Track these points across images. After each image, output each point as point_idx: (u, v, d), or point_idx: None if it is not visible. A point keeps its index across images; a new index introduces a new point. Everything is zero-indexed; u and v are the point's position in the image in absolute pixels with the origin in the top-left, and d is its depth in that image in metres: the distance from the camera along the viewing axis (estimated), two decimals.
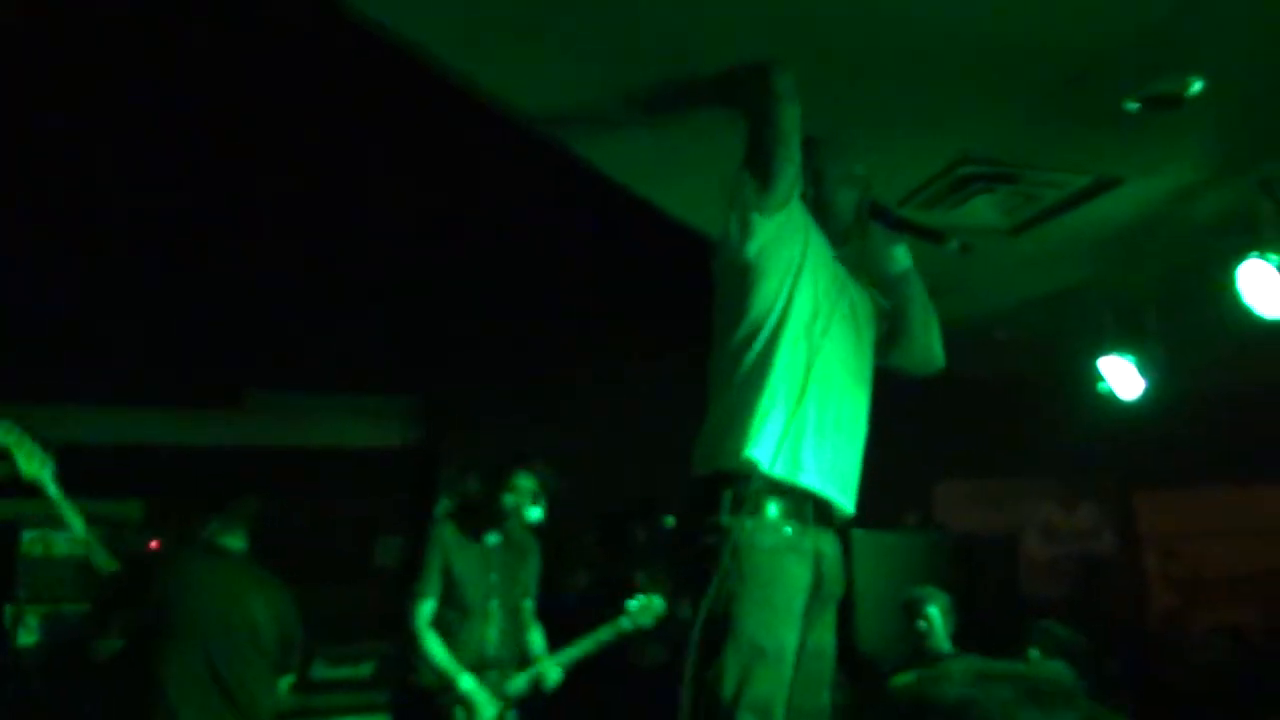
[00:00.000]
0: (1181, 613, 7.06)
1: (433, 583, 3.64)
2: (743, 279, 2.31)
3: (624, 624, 3.90)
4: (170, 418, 6.11)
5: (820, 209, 2.48)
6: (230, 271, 5.02)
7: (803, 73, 2.35)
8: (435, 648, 3.61)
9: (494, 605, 3.75)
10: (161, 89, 3.69)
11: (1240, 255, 3.72)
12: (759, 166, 2.29)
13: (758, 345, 2.27)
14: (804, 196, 2.42)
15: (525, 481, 3.80)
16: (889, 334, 2.59)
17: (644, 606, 3.93)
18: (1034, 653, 3.51)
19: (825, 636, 2.34)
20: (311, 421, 6.32)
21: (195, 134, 3.97)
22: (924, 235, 2.50)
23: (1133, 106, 2.97)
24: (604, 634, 3.89)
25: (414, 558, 3.75)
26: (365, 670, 5.49)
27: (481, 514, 3.78)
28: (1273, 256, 3.63)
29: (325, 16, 2.53)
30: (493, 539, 3.79)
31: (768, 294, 2.29)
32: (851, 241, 2.54)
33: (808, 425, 2.25)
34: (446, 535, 3.71)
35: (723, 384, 2.29)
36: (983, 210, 3.88)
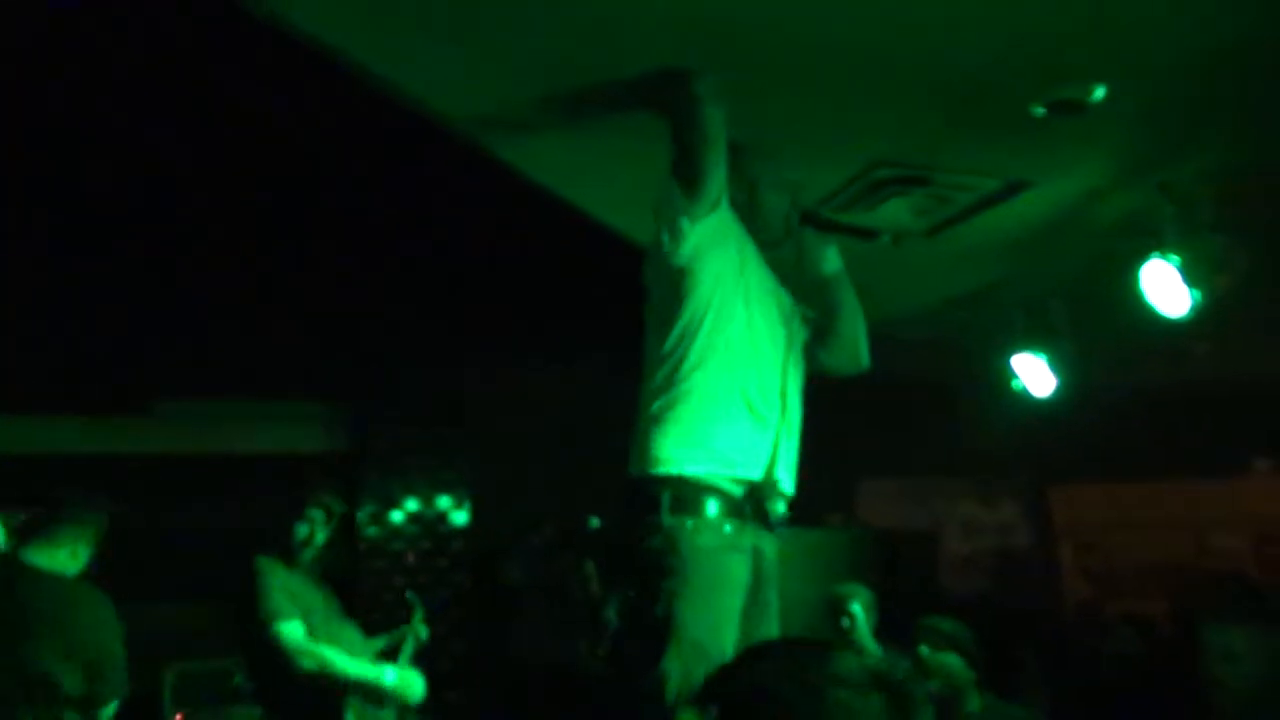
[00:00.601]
0: (1095, 604, 7.31)
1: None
2: (675, 284, 2.35)
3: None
4: (72, 426, 5.96)
5: (751, 214, 2.54)
6: (137, 273, 4.93)
7: (720, 79, 2.42)
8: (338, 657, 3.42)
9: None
10: (61, 90, 3.63)
11: (1143, 256, 3.89)
12: (686, 172, 2.33)
13: (692, 348, 2.31)
14: (735, 202, 2.48)
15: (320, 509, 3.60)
16: (817, 335, 2.67)
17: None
18: (924, 649, 3.63)
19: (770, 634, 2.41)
20: (224, 428, 6.22)
21: (97, 136, 3.91)
22: (855, 233, 2.59)
23: (1039, 112, 3.10)
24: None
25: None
26: None
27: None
28: (1173, 257, 3.81)
29: (238, 23, 2.52)
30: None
31: (700, 298, 2.34)
32: (783, 246, 2.62)
33: (744, 426, 2.31)
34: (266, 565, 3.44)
35: (657, 386, 2.32)
36: (898, 213, 3.99)
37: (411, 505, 6.64)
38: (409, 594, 3.82)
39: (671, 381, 2.31)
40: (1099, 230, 4.17)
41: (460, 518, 6.72)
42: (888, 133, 3.32)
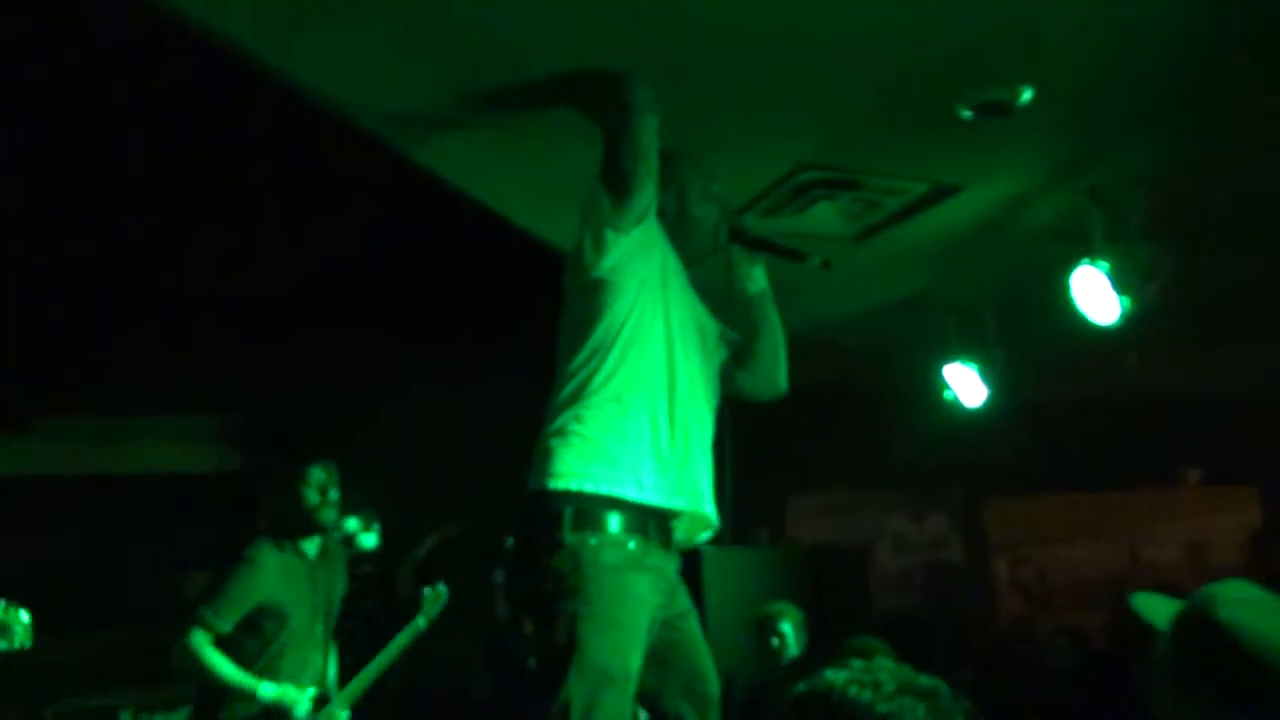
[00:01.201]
0: (1029, 618, 7.45)
1: (228, 614, 3.38)
2: (594, 295, 2.35)
3: (420, 624, 3.82)
4: None
5: (678, 227, 2.55)
6: (16, 284, 4.77)
7: (655, 87, 2.41)
8: (222, 663, 3.37)
9: (320, 630, 3.65)
10: None
11: (1073, 263, 3.98)
12: (615, 181, 2.33)
13: (606, 362, 2.31)
14: (662, 214, 2.48)
15: (319, 475, 3.61)
16: (736, 357, 2.68)
17: (434, 597, 3.88)
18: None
19: (700, 654, 2.42)
20: (110, 447, 6.05)
21: None
22: (783, 253, 2.61)
23: (966, 114, 3.15)
24: (402, 640, 3.77)
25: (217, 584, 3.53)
26: (180, 717, 5.30)
27: (291, 521, 3.57)
28: (1103, 264, 3.89)
29: (129, 16, 2.45)
30: (311, 549, 3.61)
31: (619, 311, 2.34)
32: (707, 261, 2.63)
33: (655, 443, 2.31)
34: (262, 557, 3.46)
35: (565, 399, 2.32)
36: (826, 217, 4.04)
37: (328, 517, 6.48)
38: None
39: (581, 395, 2.30)
40: (1029, 236, 4.26)
41: (369, 540, 6.61)
42: (813, 134, 3.35)
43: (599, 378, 2.30)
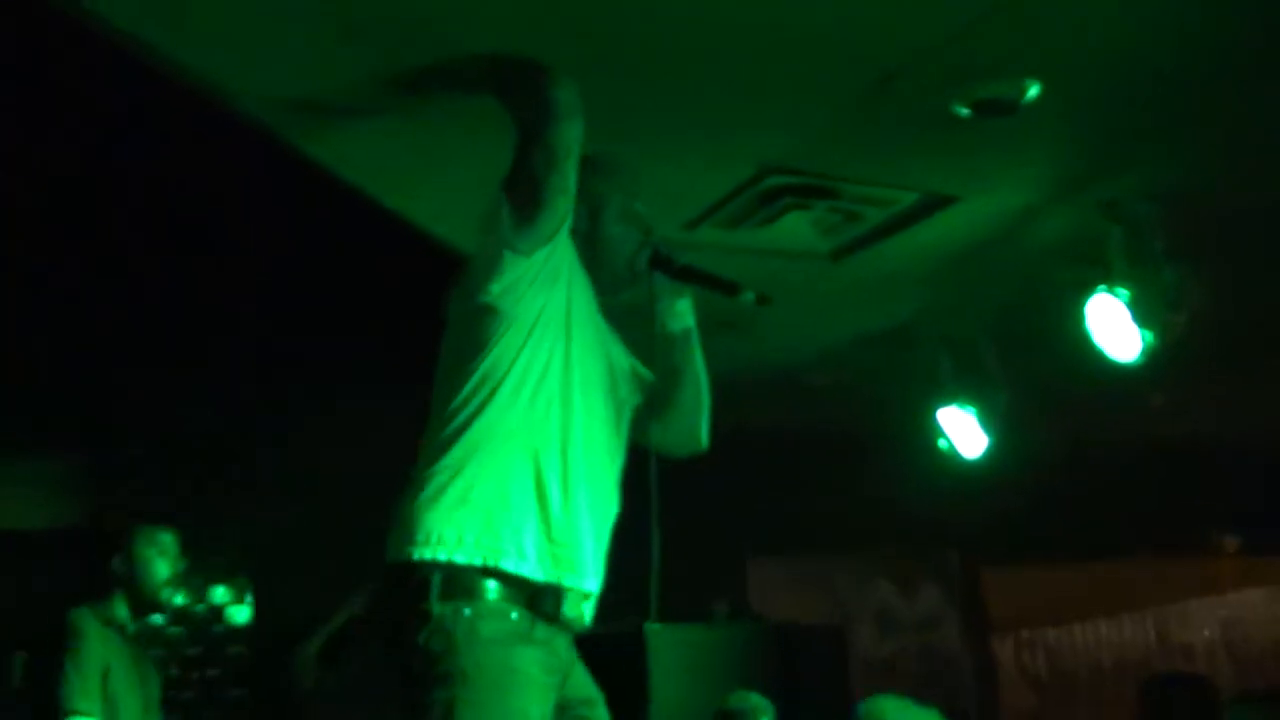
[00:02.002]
0: (1040, 715, 7.48)
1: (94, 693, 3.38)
2: (480, 324, 2.36)
3: None
4: None
5: (592, 248, 2.58)
6: None
7: (569, 69, 2.44)
8: None
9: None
10: None
11: (1088, 289, 4.05)
12: (521, 193, 2.35)
13: (489, 406, 2.33)
14: (575, 232, 2.51)
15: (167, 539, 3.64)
16: (650, 404, 2.72)
17: None
18: None
19: None
20: None
21: None
22: (713, 285, 2.64)
23: (963, 112, 3.20)
24: None
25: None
26: None
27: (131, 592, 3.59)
28: (1122, 291, 3.95)
29: None
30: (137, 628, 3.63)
31: (509, 346, 2.35)
32: (623, 291, 2.66)
33: (541, 508, 2.32)
34: (86, 627, 3.45)
35: (438, 445, 2.33)
36: (797, 231, 4.08)
37: (175, 599, 6.42)
38: None
39: (454, 445, 2.31)
40: (1036, 256, 4.33)
41: (240, 614, 6.54)
42: (782, 131, 3.39)
43: (478, 425, 2.32)
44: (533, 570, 2.29)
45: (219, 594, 6.55)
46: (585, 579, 2.39)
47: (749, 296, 2.60)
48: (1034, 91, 3.13)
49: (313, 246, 4.63)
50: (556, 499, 2.34)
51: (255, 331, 5.42)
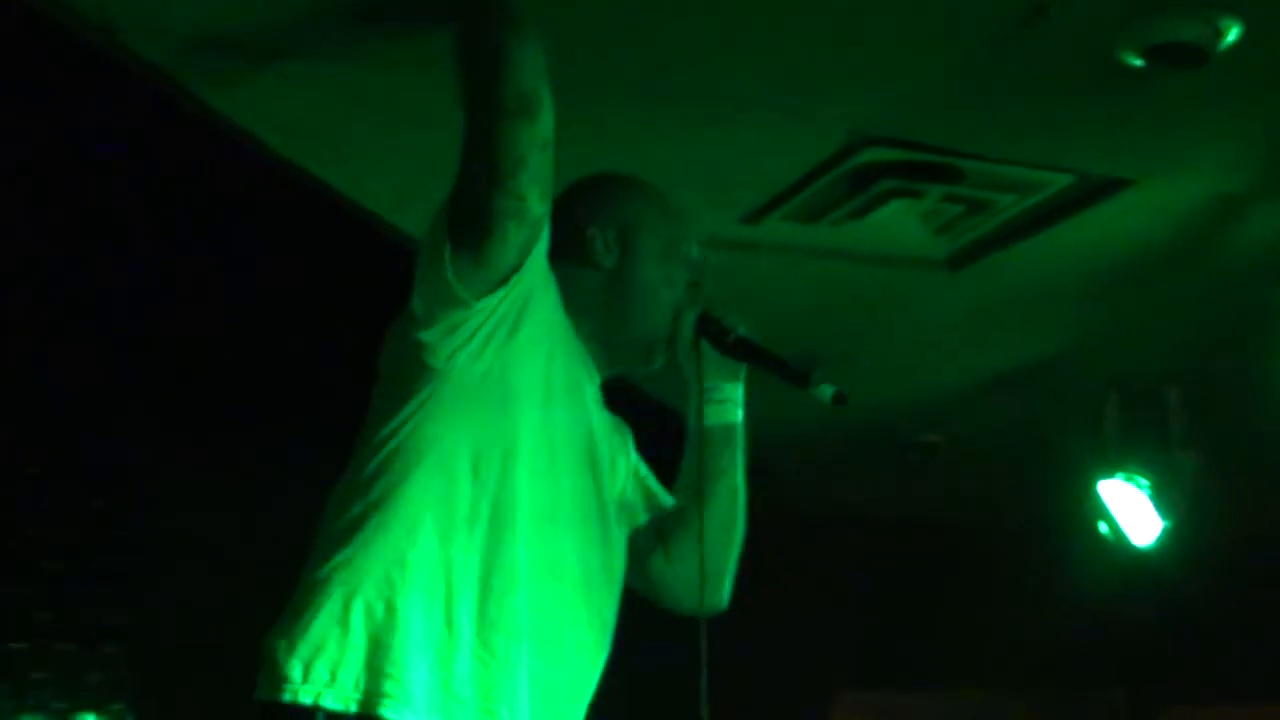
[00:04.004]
0: None
1: None
2: (407, 378, 2.38)
3: None
4: None
5: (619, 295, 2.61)
6: None
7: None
8: None
9: None
10: None
11: None
12: (461, 213, 2.35)
13: (396, 490, 2.34)
14: (596, 269, 2.57)
15: None
16: (659, 532, 2.74)
17: None
18: None
19: None
20: None
21: None
22: (778, 370, 2.64)
23: (1135, 62, 3.19)
24: None
25: None
26: None
27: None
28: None
29: None
30: None
31: (434, 416, 2.36)
32: (652, 363, 2.68)
33: (449, 642, 2.33)
34: None
35: (329, 541, 2.37)
36: (901, 226, 4.08)
37: None
38: None
39: (348, 537, 2.35)
40: (1238, 267, 4.32)
41: None
42: (881, 86, 3.38)
43: (378, 514, 2.35)
44: None
45: None
46: None
47: (826, 391, 2.59)
48: (1234, 34, 3.11)
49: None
50: (467, 638, 2.34)
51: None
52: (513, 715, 2.37)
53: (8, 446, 6.20)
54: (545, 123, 2.38)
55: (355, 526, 2.34)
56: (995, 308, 4.61)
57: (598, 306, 2.57)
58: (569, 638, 2.49)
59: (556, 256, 2.48)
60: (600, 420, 2.65)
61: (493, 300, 2.36)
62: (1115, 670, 7.27)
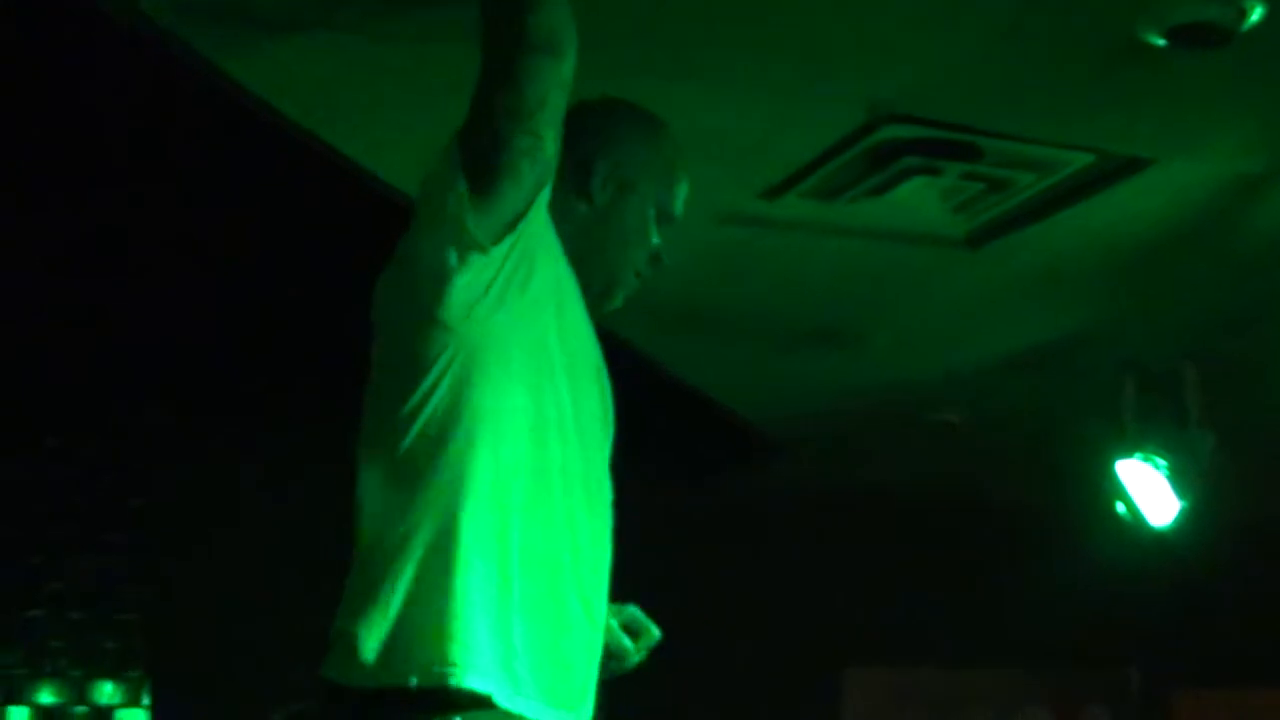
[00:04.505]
0: None
1: None
2: (425, 345, 2.33)
3: None
4: None
5: (601, 232, 2.59)
6: None
7: None
8: None
9: None
10: None
11: None
12: (476, 149, 2.31)
13: (444, 461, 2.31)
14: (587, 202, 2.54)
15: None
16: None
17: None
18: None
19: None
20: None
21: None
22: None
23: (1157, 41, 3.18)
24: None
25: None
26: None
27: None
28: None
29: None
30: None
31: (467, 382, 2.32)
32: (606, 306, 2.65)
33: (509, 608, 2.32)
34: None
35: (378, 520, 2.34)
36: (921, 204, 4.07)
37: (45, 697, 6.52)
38: None
39: (400, 514, 2.31)
40: (1259, 246, 4.31)
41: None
42: (901, 62, 3.38)
43: (428, 490, 2.31)
44: (524, 703, 2.29)
45: (105, 691, 6.59)
46: (577, 708, 2.41)
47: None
48: (1257, 14, 3.10)
49: None
50: (574, 605, 2.37)
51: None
52: (574, 681, 2.40)
53: (25, 421, 6.25)
54: (568, 64, 2.35)
55: (410, 502, 2.31)
56: (1014, 286, 4.60)
57: (572, 236, 2.52)
58: (602, 589, 2.50)
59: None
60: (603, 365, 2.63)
61: (503, 248, 2.32)
62: (1130, 651, 7.28)
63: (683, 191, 2.69)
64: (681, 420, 5.84)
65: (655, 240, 2.64)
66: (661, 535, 5.95)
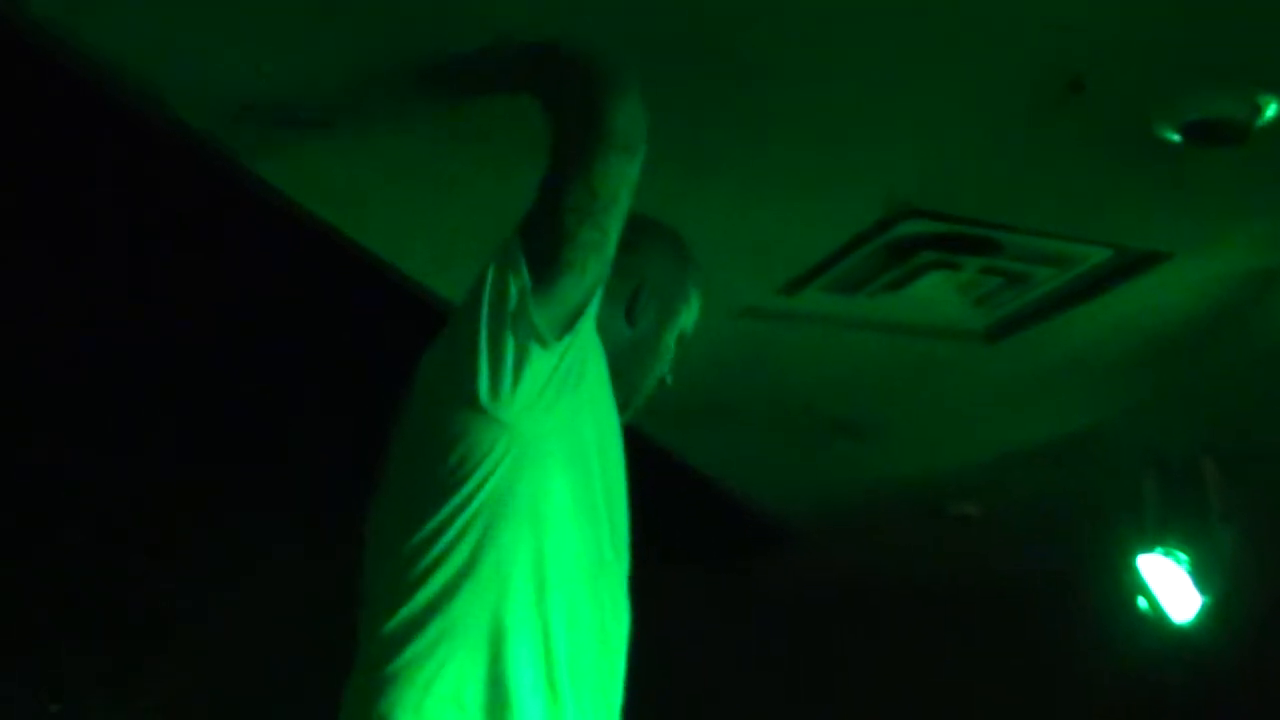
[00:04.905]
0: None
1: None
2: (473, 437, 2.30)
3: None
4: None
5: (633, 354, 2.64)
6: None
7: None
8: None
9: None
10: None
11: None
12: (543, 243, 2.31)
13: (523, 576, 2.29)
14: (629, 320, 2.59)
15: None
16: None
17: None
18: None
19: None
20: None
21: None
22: None
23: (1172, 137, 3.19)
24: None
25: None
26: None
27: None
28: None
29: None
30: None
31: (514, 475, 2.30)
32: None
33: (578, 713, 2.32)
34: None
35: (399, 620, 2.30)
36: (940, 298, 4.08)
37: None
38: None
39: (426, 615, 2.28)
40: (1278, 340, 4.32)
41: None
42: (920, 158, 3.40)
43: (460, 594, 2.28)
44: None
45: None
46: None
47: None
48: (1272, 111, 3.10)
49: None
50: (569, 698, 2.32)
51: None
52: None
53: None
54: (639, 162, 2.38)
55: (446, 596, 2.27)
56: (1033, 380, 4.61)
57: (609, 349, 2.53)
58: (613, 678, 2.49)
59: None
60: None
61: (563, 344, 2.31)
62: None
63: (698, 308, 2.74)
64: (701, 510, 5.83)
65: (672, 356, 2.70)
66: (680, 624, 5.93)
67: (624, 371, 2.60)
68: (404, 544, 2.32)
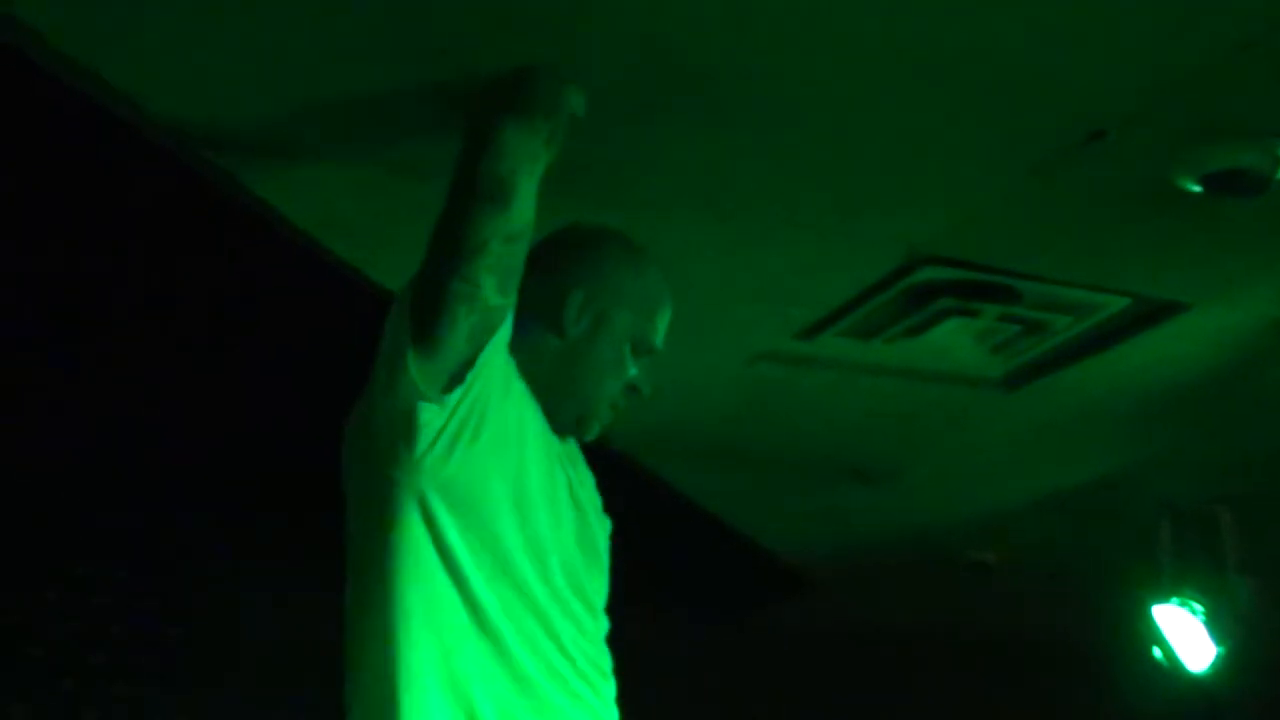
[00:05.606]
0: None
1: None
2: (387, 509, 2.32)
3: None
4: None
5: (569, 367, 2.59)
6: None
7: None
8: None
9: None
10: None
11: None
12: (419, 292, 2.32)
13: (403, 634, 2.30)
14: (564, 337, 2.54)
15: None
16: None
17: None
18: None
19: None
20: None
21: None
22: None
23: (1192, 187, 3.19)
24: None
25: None
26: None
27: None
28: None
29: None
30: None
31: (444, 544, 2.32)
32: (585, 439, 2.67)
33: None
34: None
35: (355, 688, 2.34)
36: (957, 345, 4.08)
37: None
38: None
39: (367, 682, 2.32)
40: None
41: None
42: (940, 206, 3.40)
43: (398, 657, 2.30)
44: None
45: None
46: None
47: None
48: None
49: None
50: None
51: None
52: None
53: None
54: (518, 215, 2.35)
55: (398, 641, 2.30)
56: (1050, 428, 4.60)
57: (543, 374, 2.53)
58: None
59: (525, 308, 2.43)
60: (589, 498, 2.66)
61: (454, 396, 2.30)
62: None
63: (664, 321, 2.68)
64: (714, 556, 5.82)
65: (632, 371, 2.63)
66: (692, 671, 5.91)
67: (565, 384, 2.57)
68: (347, 603, 2.38)
